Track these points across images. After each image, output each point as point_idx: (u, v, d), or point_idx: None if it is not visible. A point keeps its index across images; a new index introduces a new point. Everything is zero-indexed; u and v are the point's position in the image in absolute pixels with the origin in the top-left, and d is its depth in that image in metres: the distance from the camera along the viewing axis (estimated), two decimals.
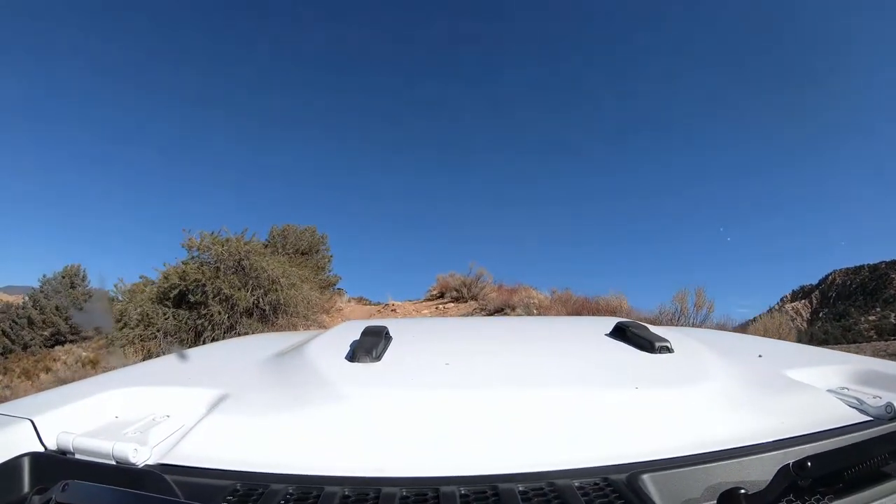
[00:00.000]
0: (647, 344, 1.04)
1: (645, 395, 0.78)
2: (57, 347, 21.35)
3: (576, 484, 0.56)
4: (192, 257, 9.59)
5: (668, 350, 1.01)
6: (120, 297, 10.18)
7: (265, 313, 9.55)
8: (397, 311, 13.94)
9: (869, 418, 0.75)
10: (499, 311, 11.55)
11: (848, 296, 62.02)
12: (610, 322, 1.26)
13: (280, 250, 15.45)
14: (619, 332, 1.17)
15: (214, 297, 9.10)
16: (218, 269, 9.28)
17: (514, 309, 11.32)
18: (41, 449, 0.67)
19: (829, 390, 0.87)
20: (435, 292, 15.76)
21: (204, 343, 9.40)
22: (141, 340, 9.20)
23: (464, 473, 0.59)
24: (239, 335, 9.03)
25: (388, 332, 1.10)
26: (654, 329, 1.17)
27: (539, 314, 10.54)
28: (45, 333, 22.04)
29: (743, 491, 0.52)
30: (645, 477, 0.56)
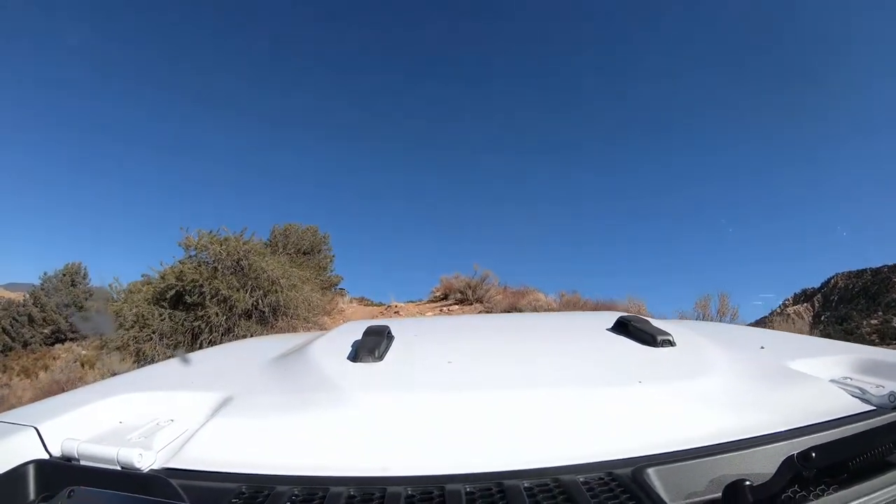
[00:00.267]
0: (649, 338, 1.03)
1: (648, 390, 0.77)
2: (57, 346, 21.11)
3: (581, 479, 0.55)
4: (190, 257, 9.21)
5: (671, 344, 1.00)
6: (115, 297, 9.81)
7: (264, 315, 9.16)
8: (400, 312, 13.56)
9: (872, 407, 0.74)
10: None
11: (850, 299, 61.53)
12: (612, 317, 1.25)
13: (281, 250, 15.14)
14: (622, 327, 1.16)
15: (212, 298, 8.72)
16: (216, 269, 8.90)
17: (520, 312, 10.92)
18: (46, 456, 0.66)
19: (831, 380, 0.85)
20: (438, 294, 15.40)
21: (201, 345, 9.08)
22: (136, 342, 8.83)
23: (468, 471, 0.58)
24: (237, 338, 8.68)
25: (389, 332, 1.09)
26: (655, 323, 1.15)
27: None
28: (46, 331, 21.79)
29: (748, 483, 0.51)
30: (650, 471, 0.56)
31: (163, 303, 9.04)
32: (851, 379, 0.87)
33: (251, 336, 7.26)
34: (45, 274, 22.50)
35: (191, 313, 8.89)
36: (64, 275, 22.43)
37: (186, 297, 8.86)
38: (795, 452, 0.53)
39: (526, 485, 0.55)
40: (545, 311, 11.09)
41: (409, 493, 0.54)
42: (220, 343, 8.71)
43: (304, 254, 16.18)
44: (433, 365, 0.96)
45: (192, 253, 9.18)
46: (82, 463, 0.62)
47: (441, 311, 13.01)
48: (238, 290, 8.85)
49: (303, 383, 0.88)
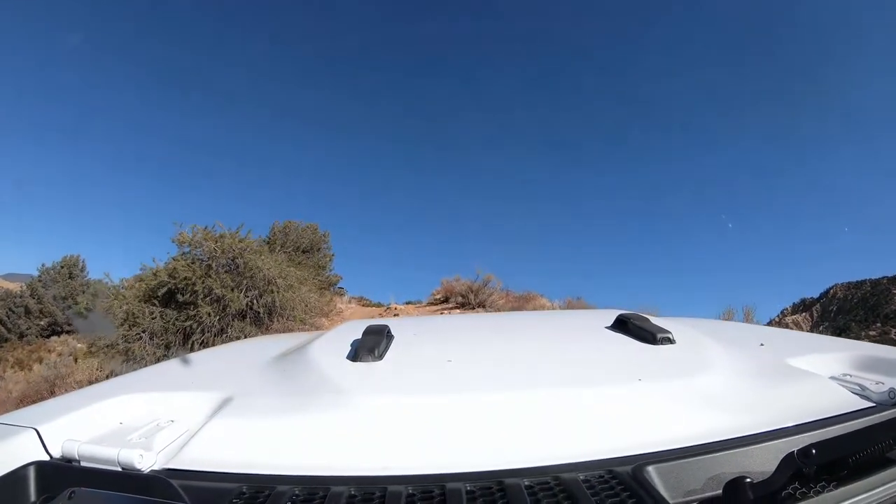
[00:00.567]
0: (648, 336, 1.02)
1: (648, 387, 0.77)
2: (53, 338, 20.77)
3: (581, 477, 0.55)
4: (183, 253, 8.80)
5: (670, 341, 0.99)
6: (106, 294, 9.41)
7: (259, 316, 8.75)
8: (399, 315, 13.15)
9: (872, 404, 0.73)
10: None
11: (849, 310, 61.13)
12: (611, 315, 1.23)
13: (280, 248, 14.77)
14: (621, 325, 1.15)
15: (205, 297, 8.30)
16: (210, 266, 8.48)
17: None
18: (46, 458, 0.66)
19: (831, 377, 0.85)
20: (439, 296, 15.02)
21: (192, 346, 8.65)
22: (125, 341, 8.42)
23: (469, 470, 0.58)
24: (230, 339, 8.27)
25: (389, 331, 1.09)
26: (655, 320, 1.14)
27: None
28: (42, 323, 21.44)
29: (748, 480, 0.51)
30: (650, 468, 0.56)
31: (154, 301, 8.64)
32: (851, 376, 0.86)
33: (245, 338, 6.88)
34: (42, 265, 22.11)
35: (182, 312, 8.48)
36: (62, 267, 22.07)
37: (178, 295, 8.45)
38: (795, 449, 0.52)
39: (526, 483, 0.54)
40: None
41: (410, 491, 0.53)
42: (213, 344, 8.33)
43: (304, 252, 15.85)
44: (433, 364, 0.95)
45: (186, 249, 8.77)
46: (83, 464, 0.62)
47: (441, 314, 12.60)
48: (232, 289, 8.43)
49: (303, 383, 0.87)
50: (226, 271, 8.62)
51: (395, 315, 12.98)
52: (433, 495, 0.53)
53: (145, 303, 8.59)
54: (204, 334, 8.43)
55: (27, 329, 21.33)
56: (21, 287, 22.71)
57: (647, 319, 1.14)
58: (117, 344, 8.46)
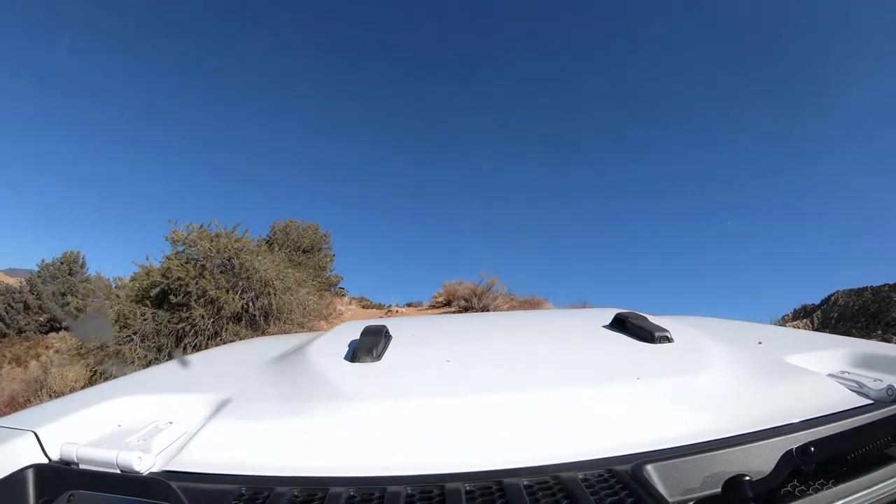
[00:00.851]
0: (646, 335, 1.01)
1: (646, 386, 0.76)
2: (51, 334, 20.38)
3: (580, 476, 0.55)
4: (178, 252, 8.37)
5: (668, 340, 0.98)
6: (98, 293, 9.00)
7: (255, 319, 8.31)
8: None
9: (870, 401, 0.73)
10: None
11: (850, 317, 60.55)
12: (609, 313, 1.21)
13: (280, 247, 14.37)
14: (619, 324, 1.14)
15: (198, 298, 7.88)
16: (204, 267, 8.05)
17: None
18: (45, 460, 0.65)
19: (829, 375, 0.84)
20: (441, 299, 14.61)
21: (185, 349, 8.20)
22: (115, 343, 8.01)
23: (468, 470, 0.57)
24: (224, 343, 7.85)
25: (387, 332, 1.08)
26: (653, 319, 1.12)
27: None
28: (41, 319, 21.06)
29: (747, 478, 0.50)
30: (649, 467, 0.55)
31: (146, 301, 8.22)
32: (849, 373, 0.85)
33: (241, 340, 6.46)
34: (42, 261, 21.72)
35: (175, 314, 8.05)
36: (62, 263, 21.68)
37: (171, 296, 8.04)
38: (794, 447, 0.52)
39: (525, 483, 0.54)
40: None
41: (409, 492, 0.53)
42: (206, 348, 7.91)
43: (304, 252, 15.48)
44: (431, 364, 0.93)
45: (181, 248, 8.35)
46: (81, 467, 0.61)
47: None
48: (227, 291, 8.00)
49: (301, 384, 0.86)
50: (221, 272, 8.19)
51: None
52: (432, 495, 0.52)
53: (137, 303, 8.17)
54: (197, 337, 8.00)
55: (26, 325, 20.97)
56: (21, 282, 22.34)
57: (645, 318, 1.12)
58: (107, 346, 8.05)
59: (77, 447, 0.62)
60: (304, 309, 9.05)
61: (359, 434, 0.66)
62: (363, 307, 16.66)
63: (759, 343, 1.07)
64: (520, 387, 0.77)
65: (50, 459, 0.65)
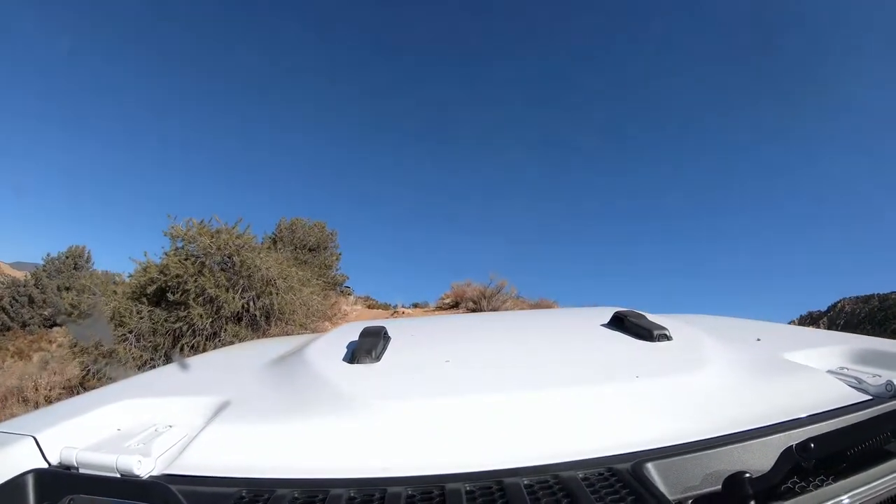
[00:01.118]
0: (645, 333, 1.00)
1: (646, 385, 0.75)
2: (55, 328, 20.06)
3: (580, 475, 0.54)
4: (177, 249, 7.91)
5: (667, 338, 0.98)
6: (93, 289, 8.56)
7: (256, 319, 7.83)
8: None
9: (869, 397, 0.72)
10: None
11: (856, 325, 59.54)
12: (608, 312, 1.20)
13: (286, 245, 13.94)
14: (618, 322, 1.13)
15: (197, 297, 7.41)
16: (203, 264, 7.58)
17: None
18: (45, 465, 0.64)
19: (828, 371, 0.84)
20: (448, 301, 14.11)
21: (182, 350, 7.73)
22: (110, 342, 7.55)
23: (468, 470, 0.57)
24: (223, 343, 7.36)
25: (386, 333, 1.06)
26: (651, 317, 1.11)
27: None
28: (45, 313, 20.72)
29: (747, 475, 0.50)
30: (649, 465, 0.55)
31: (143, 299, 7.76)
32: (848, 369, 0.84)
33: (239, 343, 6.03)
34: (48, 255, 21.41)
35: (173, 313, 7.59)
36: (67, 257, 21.36)
37: (169, 294, 7.57)
38: (794, 444, 0.52)
39: (526, 482, 0.53)
40: None
41: (410, 492, 0.52)
42: (204, 348, 7.39)
43: (310, 250, 15.05)
44: (431, 365, 0.92)
45: (180, 244, 7.88)
46: (81, 471, 0.61)
47: None
48: (227, 289, 7.52)
49: (300, 386, 0.85)
50: (221, 269, 7.72)
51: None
52: (433, 496, 0.52)
53: (134, 301, 7.72)
54: (195, 337, 7.53)
55: (30, 318, 20.67)
56: (26, 276, 22.06)
57: (644, 316, 1.10)
58: (101, 345, 7.59)
59: (77, 451, 0.61)
60: (308, 309, 8.56)
61: (359, 435, 0.65)
62: (369, 307, 16.20)
63: (758, 340, 1.06)
64: (519, 386, 0.76)
65: (50, 464, 0.64)
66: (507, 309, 11.36)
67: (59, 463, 0.63)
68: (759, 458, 0.56)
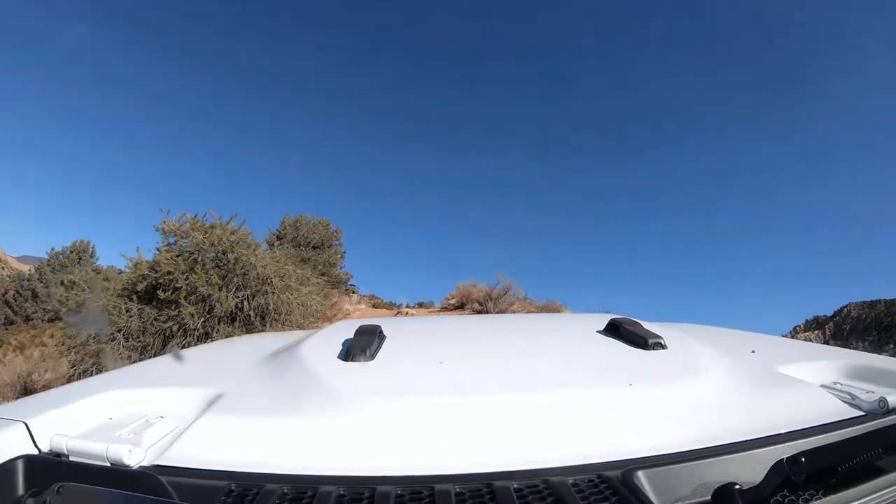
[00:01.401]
0: (640, 341, 0.99)
1: (639, 393, 0.74)
2: (58, 322, 19.77)
3: (570, 481, 0.54)
4: (169, 244, 7.41)
5: (662, 347, 0.96)
6: (82, 285, 8.08)
7: (250, 320, 7.33)
8: None
9: (862, 413, 0.71)
10: None
11: (862, 330, 58.28)
12: (603, 319, 1.20)
13: (289, 242, 13.46)
14: (613, 330, 1.11)
15: (188, 295, 6.91)
16: (196, 260, 7.08)
17: None
18: (35, 452, 0.63)
19: (822, 385, 0.83)
20: (453, 301, 13.55)
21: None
22: (96, 342, 7.08)
23: (459, 472, 0.56)
24: None
25: (381, 331, 1.05)
26: (647, 325, 1.09)
27: None
28: (48, 307, 20.42)
29: (737, 486, 0.49)
30: (640, 473, 0.54)
31: (133, 297, 7.27)
32: (842, 384, 0.83)
33: (232, 337, 5.52)
34: (52, 249, 21.07)
35: (163, 312, 7.09)
36: (71, 251, 21.01)
37: (160, 291, 7.08)
38: (785, 457, 0.51)
39: (515, 486, 0.53)
40: None
41: (399, 492, 0.52)
42: None
43: (314, 248, 14.58)
44: (425, 365, 0.90)
45: (172, 240, 7.39)
46: (71, 459, 0.60)
47: None
48: (220, 288, 7.02)
49: (294, 382, 0.83)
50: (214, 266, 7.21)
51: None
52: (422, 496, 0.51)
53: (124, 298, 7.23)
54: (186, 338, 7.03)
55: (33, 313, 20.34)
56: (30, 270, 21.74)
57: (639, 324, 1.09)
58: (88, 344, 7.12)
59: (67, 439, 0.61)
60: (306, 309, 8.04)
61: (350, 433, 0.64)
62: (374, 306, 15.70)
63: (753, 352, 1.04)
64: (512, 389, 0.75)
65: (40, 451, 0.63)
66: (513, 311, 10.79)
67: (50, 450, 0.62)
68: (750, 471, 0.55)
